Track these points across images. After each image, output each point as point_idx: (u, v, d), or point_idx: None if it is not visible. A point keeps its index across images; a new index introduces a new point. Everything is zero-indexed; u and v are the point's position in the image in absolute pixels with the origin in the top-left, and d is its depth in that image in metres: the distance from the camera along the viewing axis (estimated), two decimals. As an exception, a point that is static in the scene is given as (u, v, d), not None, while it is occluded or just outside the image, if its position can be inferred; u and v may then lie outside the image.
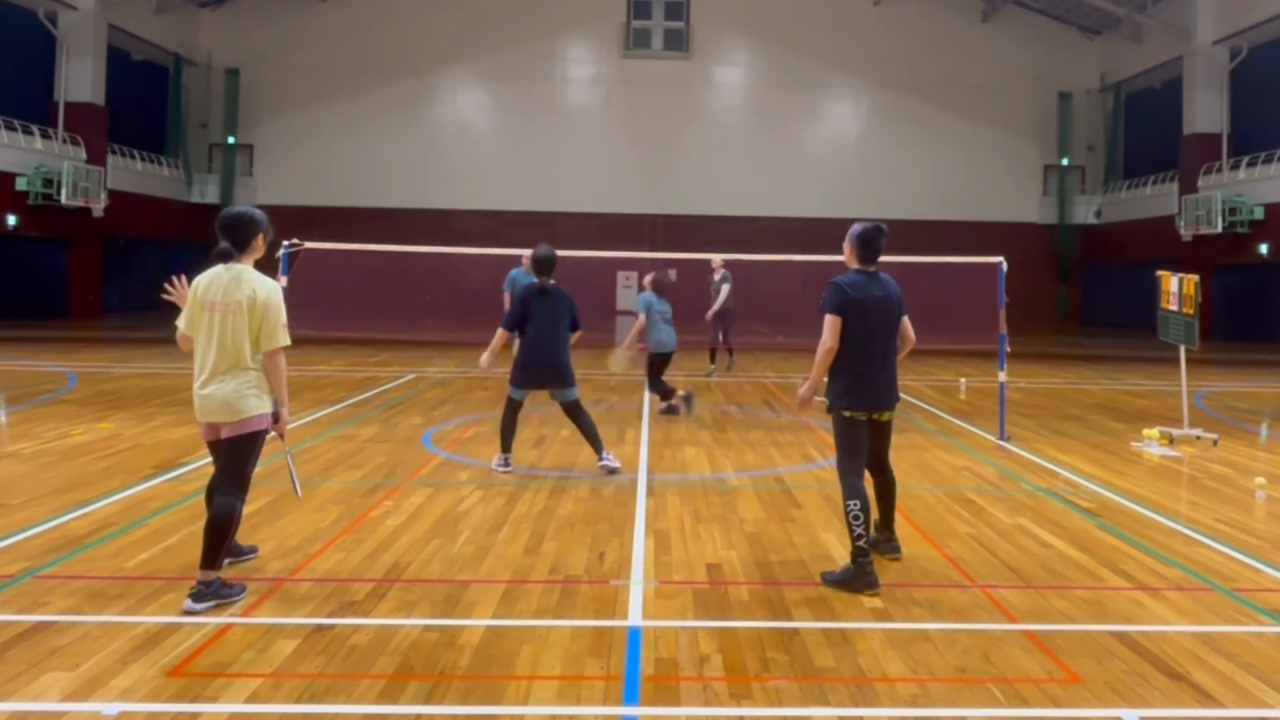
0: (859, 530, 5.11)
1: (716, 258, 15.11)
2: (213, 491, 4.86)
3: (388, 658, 4.09)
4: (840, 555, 5.73)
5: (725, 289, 15.03)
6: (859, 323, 5.27)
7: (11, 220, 25.97)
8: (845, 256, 5.54)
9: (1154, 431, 10.02)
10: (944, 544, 5.99)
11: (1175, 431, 9.97)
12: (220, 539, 4.67)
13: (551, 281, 8.01)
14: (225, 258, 4.83)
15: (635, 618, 4.64)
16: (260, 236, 4.92)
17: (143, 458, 8.17)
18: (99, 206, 28.24)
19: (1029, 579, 5.35)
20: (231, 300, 4.73)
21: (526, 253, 12.84)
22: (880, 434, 5.55)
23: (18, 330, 21.18)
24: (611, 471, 7.88)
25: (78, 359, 16.25)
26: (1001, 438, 9.85)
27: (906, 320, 5.62)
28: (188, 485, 7.18)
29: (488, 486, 7.41)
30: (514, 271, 13.39)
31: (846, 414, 5.31)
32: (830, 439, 6.10)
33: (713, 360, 15.68)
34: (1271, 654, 4.34)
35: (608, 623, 4.57)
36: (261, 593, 4.88)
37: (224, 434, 4.77)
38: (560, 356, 7.90)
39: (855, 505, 5.14)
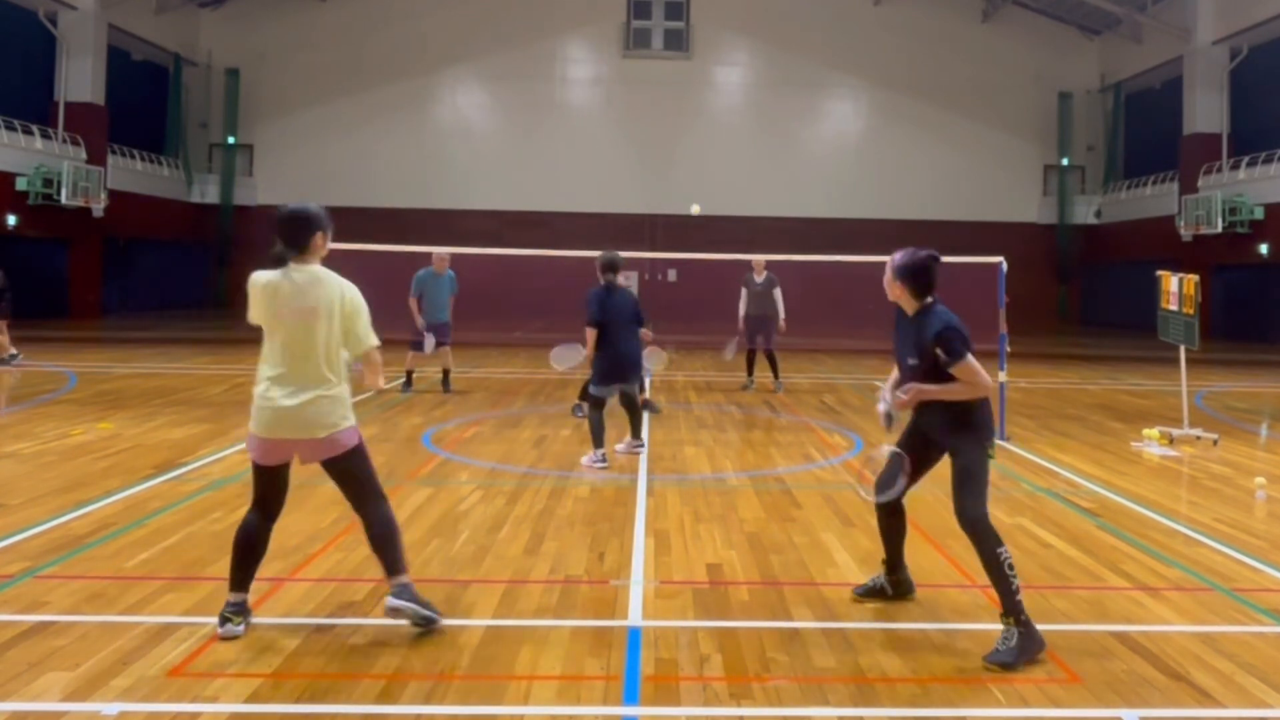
0: (1016, 582, 4.31)
1: (760, 258, 13.81)
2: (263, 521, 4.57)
3: (388, 658, 4.09)
4: (842, 556, 5.73)
5: (779, 294, 13.71)
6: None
7: (11, 220, 25.95)
8: (895, 294, 4.65)
9: (1154, 431, 10.02)
10: (944, 544, 5.99)
11: (1175, 431, 9.97)
12: (394, 543, 4.48)
13: (619, 281, 8.50)
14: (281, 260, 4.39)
15: (635, 618, 4.64)
16: (320, 234, 4.46)
17: (143, 458, 8.17)
18: (99, 206, 28.21)
19: (1029, 579, 5.34)
20: (307, 305, 4.36)
21: (438, 252, 12.62)
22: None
23: (17, 330, 21.14)
24: (632, 452, 8.52)
25: (78, 359, 16.25)
26: (1001, 438, 9.84)
27: None
28: (188, 485, 7.19)
29: (488, 486, 7.42)
30: (421, 273, 12.51)
31: (991, 452, 4.71)
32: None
33: (751, 372, 14.13)
34: (1271, 654, 4.34)
35: (608, 623, 4.57)
36: (261, 593, 4.87)
37: (319, 454, 4.43)
38: (637, 351, 8.52)
39: (1005, 551, 4.39)
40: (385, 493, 4.56)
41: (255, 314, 4.38)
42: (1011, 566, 4.34)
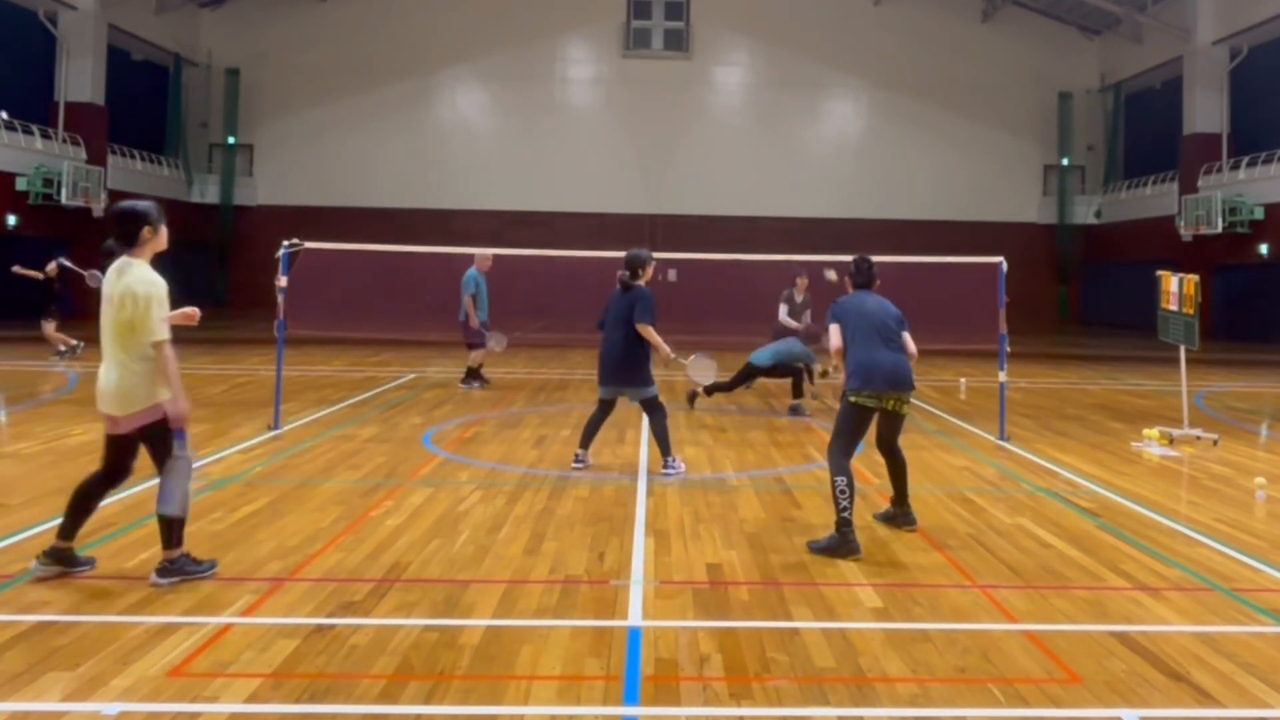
0: (844, 503, 5.70)
1: (804, 280, 13.02)
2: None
3: (388, 658, 4.09)
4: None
5: (808, 316, 12.94)
6: (856, 321, 6.09)
7: (11, 220, 25.94)
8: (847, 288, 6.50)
9: (1154, 431, 10.02)
10: (944, 544, 5.99)
11: (1175, 431, 9.97)
12: (173, 521, 5.00)
13: (633, 280, 8.13)
14: (111, 254, 5.10)
15: (635, 618, 4.64)
16: (147, 229, 5.04)
17: (143, 458, 8.14)
18: (99, 206, 28.20)
19: (1029, 579, 5.35)
20: (110, 294, 4.98)
21: (481, 252, 13.08)
22: (891, 422, 6.20)
23: (18, 330, 21.17)
24: (676, 474, 7.91)
25: (78, 359, 16.24)
26: (1001, 438, 9.84)
27: (907, 335, 6.22)
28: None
29: (488, 486, 7.41)
30: (472, 271, 13.21)
31: (853, 399, 5.95)
32: (877, 433, 6.19)
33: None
34: (1271, 654, 4.34)
35: (608, 623, 4.57)
36: (261, 593, 4.87)
37: (123, 427, 5.06)
38: (617, 355, 8.02)
39: (842, 481, 5.74)
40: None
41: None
42: (844, 493, 5.69)
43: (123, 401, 4.94)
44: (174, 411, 4.95)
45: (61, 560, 5.05)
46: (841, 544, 5.68)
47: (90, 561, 5.21)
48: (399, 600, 4.81)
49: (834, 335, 6.12)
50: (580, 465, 8.10)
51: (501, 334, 13.12)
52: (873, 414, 6.03)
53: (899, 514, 6.37)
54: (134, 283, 4.88)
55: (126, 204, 5.10)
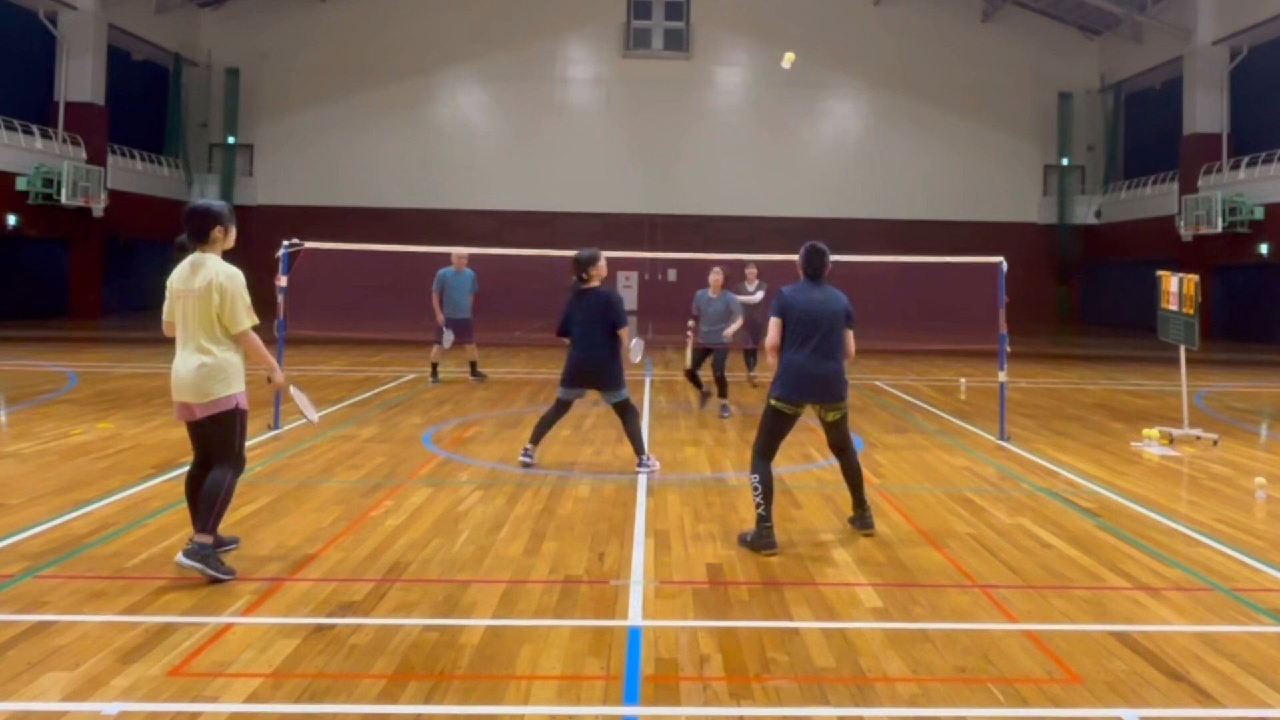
0: (757, 499, 5.81)
1: (752, 266, 13.51)
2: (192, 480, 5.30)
3: (388, 658, 4.09)
4: (843, 556, 5.75)
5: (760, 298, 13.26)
6: (795, 323, 5.94)
7: (11, 220, 25.94)
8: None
9: (1154, 431, 10.02)
10: (944, 544, 5.99)
11: (1175, 431, 9.97)
12: (210, 505, 5.04)
13: (590, 282, 8.13)
14: (184, 249, 5.25)
15: (635, 618, 4.64)
16: (219, 228, 5.21)
17: (143, 458, 8.16)
18: (99, 206, 28.22)
19: (1029, 579, 5.35)
20: (190, 288, 5.13)
21: (457, 251, 13.23)
22: (832, 429, 6.16)
23: (18, 330, 21.18)
24: (650, 471, 7.99)
25: (78, 359, 16.25)
26: (1001, 438, 9.84)
27: (849, 333, 6.10)
28: (188, 485, 7.17)
29: (488, 486, 7.42)
30: (442, 271, 13.42)
31: (773, 403, 5.97)
32: (825, 438, 6.22)
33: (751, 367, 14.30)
34: (1271, 654, 4.34)
35: (608, 623, 4.57)
36: (261, 593, 4.87)
37: (198, 414, 5.13)
38: (596, 357, 8.03)
39: (755, 479, 5.85)
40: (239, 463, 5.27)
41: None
42: (756, 490, 5.81)
43: (201, 390, 5.08)
44: (278, 380, 5.39)
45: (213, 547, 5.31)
46: (757, 538, 5.76)
47: (235, 540, 5.56)
48: (399, 600, 4.81)
49: (773, 331, 5.96)
50: (528, 460, 8.13)
51: (450, 333, 13.24)
52: (791, 420, 5.98)
53: (855, 517, 6.24)
54: (219, 275, 5.09)
55: (202, 203, 5.27)
